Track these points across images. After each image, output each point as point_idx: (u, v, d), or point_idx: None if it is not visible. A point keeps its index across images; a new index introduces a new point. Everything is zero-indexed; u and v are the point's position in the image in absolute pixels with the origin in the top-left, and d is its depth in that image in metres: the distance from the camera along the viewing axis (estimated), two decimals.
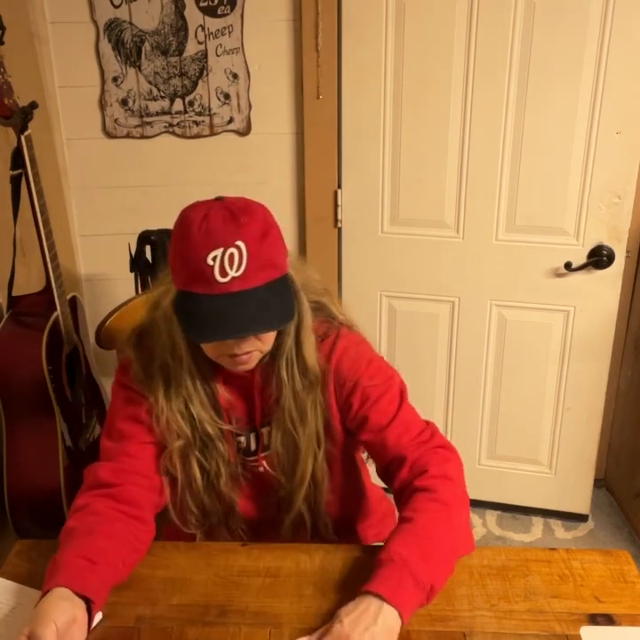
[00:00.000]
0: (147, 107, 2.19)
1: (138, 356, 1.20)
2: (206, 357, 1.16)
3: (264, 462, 1.26)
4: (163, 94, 2.17)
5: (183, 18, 2.09)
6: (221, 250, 1.02)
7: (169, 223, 2.09)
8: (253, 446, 1.26)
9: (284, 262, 1.11)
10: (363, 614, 0.96)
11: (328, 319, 1.24)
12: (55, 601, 0.97)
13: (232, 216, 1.04)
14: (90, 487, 1.15)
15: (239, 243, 1.03)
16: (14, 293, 1.88)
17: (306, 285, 1.19)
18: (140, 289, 2.07)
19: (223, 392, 1.21)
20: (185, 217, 1.08)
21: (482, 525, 2.40)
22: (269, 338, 1.13)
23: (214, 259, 1.02)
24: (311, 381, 1.18)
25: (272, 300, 1.07)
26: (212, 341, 1.10)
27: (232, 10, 2.08)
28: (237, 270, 1.03)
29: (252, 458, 1.27)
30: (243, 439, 1.26)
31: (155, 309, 1.18)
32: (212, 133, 2.22)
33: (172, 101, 2.18)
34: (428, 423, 1.24)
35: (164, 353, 1.16)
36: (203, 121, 2.20)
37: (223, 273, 1.02)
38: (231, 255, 1.02)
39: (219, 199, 1.09)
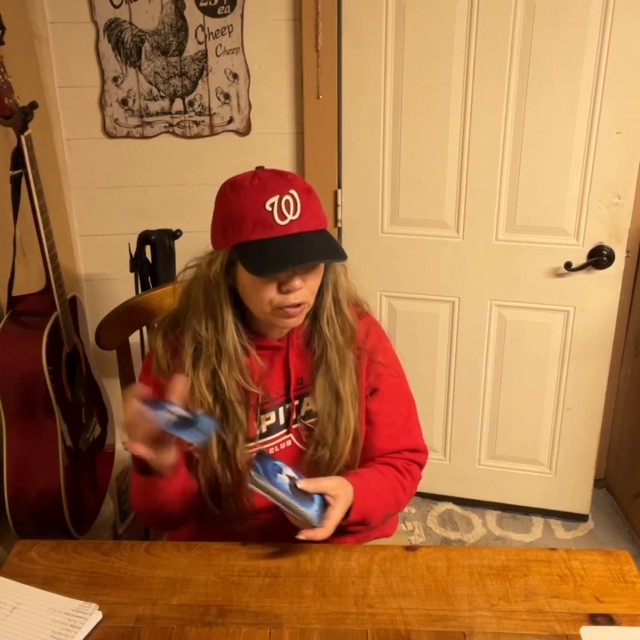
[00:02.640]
0: (147, 107, 2.19)
1: (164, 342, 1.26)
2: (245, 327, 1.22)
3: (292, 436, 1.29)
4: (163, 94, 2.17)
5: (183, 18, 2.09)
6: (277, 196, 1.11)
7: (169, 223, 2.12)
8: (282, 420, 1.29)
9: (326, 220, 1.20)
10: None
11: (353, 299, 1.33)
12: None
13: (279, 173, 1.15)
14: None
15: (292, 191, 1.13)
16: (14, 293, 1.88)
17: None
18: (140, 289, 2.07)
19: (259, 360, 1.24)
20: (233, 181, 1.16)
21: (482, 525, 2.40)
22: (316, 288, 1.20)
23: (272, 205, 1.11)
24: (348, 337, 1.26)
25: (326, 242, 1.16)
26: (280, 271, 1.13)
27: (232, 10, 2.08)
28: (294, 214, 1.12)
29: (278, 434, 1.29)
30: (271, 415, 1.28)
31: (187, 295, 1.24)
32: (212, 133, 2.22)
33: (171, 101, 2.18)
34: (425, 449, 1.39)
35: (196, 322, 1.21)
36: (203, 121, 2.20)
37: (282, 216, 1.11)
38: (287, 201, 1.11)
39: (259, 168, 1.19)
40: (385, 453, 1.32)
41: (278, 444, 1.29)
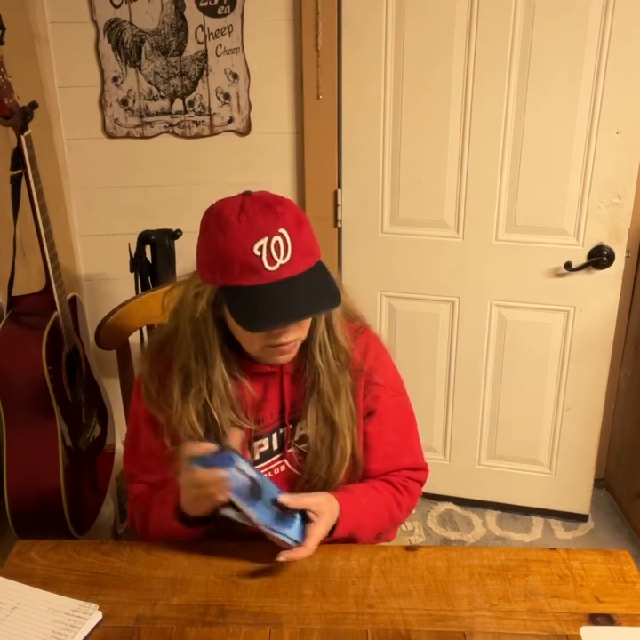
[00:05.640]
0: (147, 107, 2.19)
1: (152, 368, 1.22)
2: (237, 357, 1.18)
3: (286, 461, 1.27)
4: (163, 94, 2.17)
5: (183, 18, 2.09)
6: (266, 239, 1.04)
7: (169, 223, 2.12)
8: (276, 446, 1.27)
9: (319, 248, 1.15)
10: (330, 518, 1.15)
11: (350, 316, 1.28)
12: None
13: (268, 206, 1.07)
14: (133, 499, 1.28)
15: (282, 231, 1.05)
16: (14, 293, 1.88)
17: None
18: (140, 289, 2.07)
19: (251, 390, 1.21)
20: (219, 212, 1.09)
21: (482, 525, 2.40)
22: (307, 324, 1.16)
23: (261, 248, 1.04)
24: (343, 361, 1.22)
25: (319, 283, 1.10)
26: (270, 329, 1.10)
27: (232, 10, 2.08)
28: (285, 257, 1.05)
29: (272, 459, 1.27)
30: (264, 441, 1.26)
31: (175, 317, 1.19)
32: (212, 133, 2.22)
33: (171, 101, 2.18)
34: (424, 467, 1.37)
35: (186, 356, 1.17)
36: (203, 121, 2.20)
37: (271, 261, 1.05)
38: (277, 243, 1.05)
39: (246, 193, 1.12)
40: (382, 472, 1.30)
41: (272, 470, 1.27)
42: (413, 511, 2.39)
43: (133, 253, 2.05)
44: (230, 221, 1.06)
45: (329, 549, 1.18)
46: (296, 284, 1.06)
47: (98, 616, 1.05)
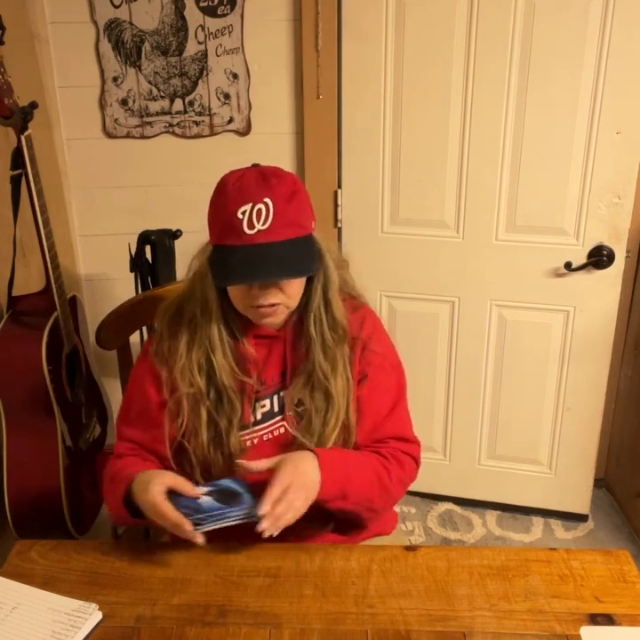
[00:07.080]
0: (147, 107, 2.19)
1: (165, 324, 1.29)
2: (238, 316, 1.25)
3: (285, 423, 1.29)
4: (163, 94, 2.17)
5: (183, 18, 2.09)
6: (250, 205, 1.12)
7: (169, 223, 2.12)
8: (277, 408, 1.30)
9: (310, 224, 1.21)
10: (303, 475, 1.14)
11: (351, 293, 1.36)
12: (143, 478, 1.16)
13: (263, 178, 1.16)
14: (116, 456, 1.31)
15: (267, 200, 1.13)
16: (14, 293, 1.88)
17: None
18: (140, 289, 2.07)
19: (251, 349, 1.27)
20: (223, 179, 1.19)
21: (482, 525, 2.40)
22: (294, 292, 1.22)
23: (244, 213, 1.13)
24: (340, 335, 1.27)
25: (293, 255, 1.17)
26: (232, 284, 1.20)
27: (232, 10, 2.08)
28: (264, 224, 1.13)
29: (272, 421, 1.30)
30: (266, 402, 1.30)
31: (191, 281, 1.28)
32: (212, 133, 2.22)
33: (172, 101, 2.18)
34: (415, 440, 1.37)
35: (194, 307, 1.25)
36: (203, 121, 2.20)
37: (251, 225, 1.13)
38: (259, 210, 1.13)
39: (255, 165, 1.20)
40: (370, 442, 1.31)
41: (271, 431, 1.30)
42: (414, 511, 2.39)
43: (133, 253, 2.05)
44: (226, 186, 1.16)
45: (329, 549, 1.18)
46: (269, 250, 1.14)
47: (98, 616, 1.05)
